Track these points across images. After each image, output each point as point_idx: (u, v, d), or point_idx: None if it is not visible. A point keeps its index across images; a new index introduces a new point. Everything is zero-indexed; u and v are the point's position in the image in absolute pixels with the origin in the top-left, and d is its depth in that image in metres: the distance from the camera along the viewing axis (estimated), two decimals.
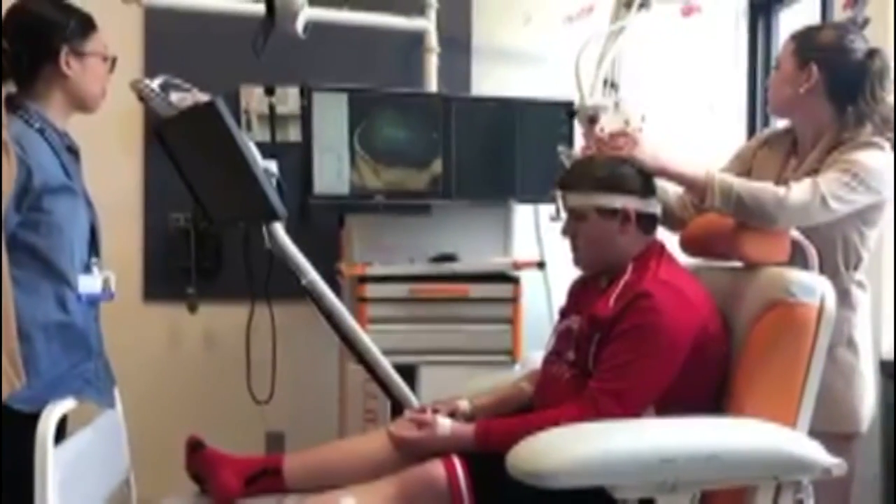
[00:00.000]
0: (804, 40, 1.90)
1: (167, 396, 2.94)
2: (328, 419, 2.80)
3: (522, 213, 2.84)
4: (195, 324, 2.93)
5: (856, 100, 1.84)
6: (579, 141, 2.52)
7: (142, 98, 2.04)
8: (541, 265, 2.69)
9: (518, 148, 2.67)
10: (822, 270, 1.80)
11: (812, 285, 1.67)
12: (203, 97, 1.99)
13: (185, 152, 2.07)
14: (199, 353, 2.99)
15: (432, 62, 2.86)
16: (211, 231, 2.90)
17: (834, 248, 1.86)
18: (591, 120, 2.22)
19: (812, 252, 1.81)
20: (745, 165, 2.03)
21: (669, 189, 1.98)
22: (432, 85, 2.86)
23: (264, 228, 2.02)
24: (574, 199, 1.80)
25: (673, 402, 1.64)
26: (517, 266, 2.63)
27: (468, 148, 2.62)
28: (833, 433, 1.75)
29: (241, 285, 2.78)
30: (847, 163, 1.78)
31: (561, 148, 2.38)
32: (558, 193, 1.94)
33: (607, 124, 2.06)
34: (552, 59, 2.93)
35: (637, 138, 1.79)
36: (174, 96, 2.06)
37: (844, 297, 1.84)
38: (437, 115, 2.59)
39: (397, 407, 2.17)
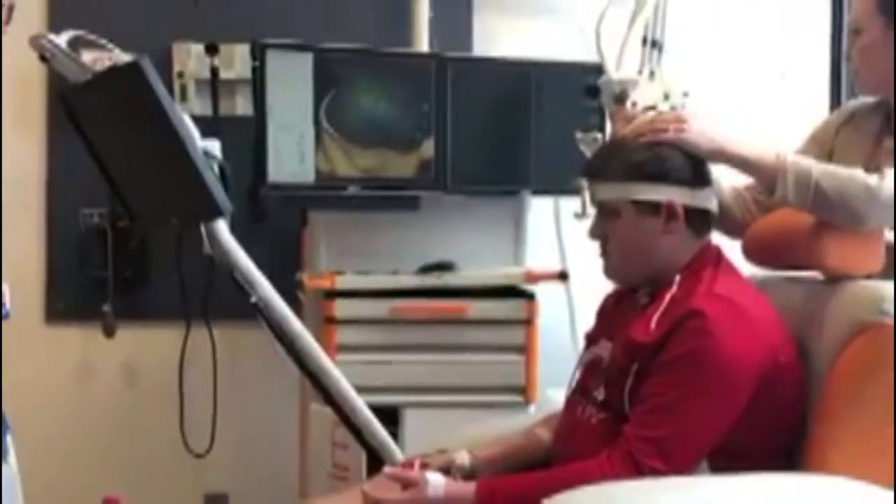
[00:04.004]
0: None
1: (77, 446, 2.94)
2: (285, 477, 2.80)
3: (539, 209, 2.85)
4: (113, 351, 2.93)
5: None
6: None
7: (44, 58, 2.04)
8: (562, 276, 2.69)
9: (533, 124, 2.68)
10: None
11: None
12: (124, 57, 1.99)
13: (101, 128, 2.07)
14: (118, 389, 2.99)
15: (423, 13, 2.87)
16: (133, 232, 2.90)
17: None
18: (619, 99, 2.23)
19: None
20: (823, 148, 2.03)
21: (723, 181, 1.98)
22: (423, 43, 2.87)
23: (203, 228, 2.02)
24: (605, 191, 1.80)
25: (733, 454, 1.64)
26: (532, 278, 2.63)
27: (469, 124, 2.63)
28: None
29: (173, 302, 2.78)
30: None
31: (580, 134, 2.39)
32: (585, 183, 1.94)
33: (641, 98, 2.07)
34: (576, 9, 2.93)
35: (684, 117, 1.80)
36: (86, 56, 2.06)
37: None
38: (428, 82, 2.60)
39: (375, 461, 2.17)
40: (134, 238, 2.91)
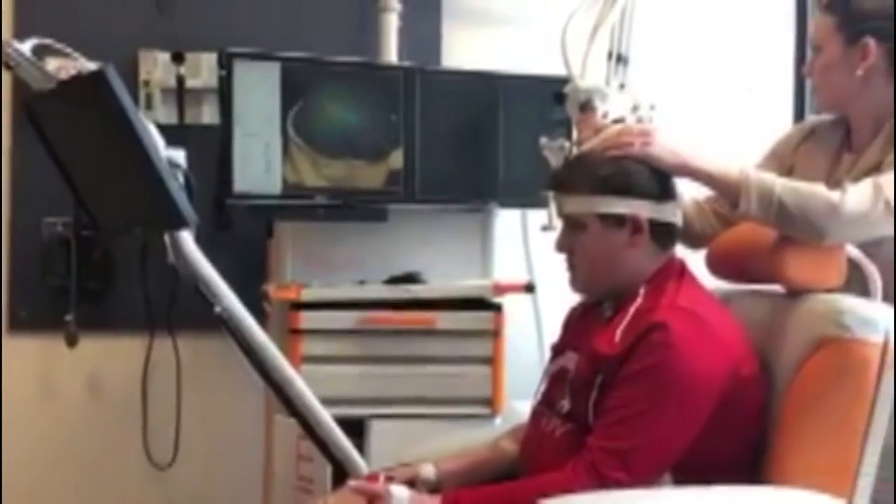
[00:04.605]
0: (847, 11, 1.96)
1: (39, 457, 2.91)
2: (249, 489, 2.79)
3: (506, 221, 2.86)
4: (76, 362, 2.90)
5: None
6: None
7: (9, 65, 2.03)
8: (529, 288, 2.70)
9: (501, 136, 2.69)
10: (886, 298, 1.83)
11: (873, 317, 1.70)
12: (89, 65, 1.99)
13: (65, 137, 2.05)
14: (81, 400, 2.96)
15: (391, 24, 2.88)
16: (97, 241, 2.88)
17: None
18: (584, 107, 2.25)
19: (874, 274, 1.84)
20: (784, 164, 2.06)
21: (685, 194, 2.00)
22: (391, 53, 2.87)
23: (167, 238, 2.01)
24: (571, 204, 1.82)
25: (696, 466, 1.65)
26: (499, 289, 2.64)
27: (437, 135, 2.63)
28: None
29: (137, 312, 2.76)
30: None
31: (544, 140, 2.40)
32: (551, 196, 1.95)
33: (612, 109, 2.09)
34: (546, 22, 2.95)
35: (650, 130, 1.82)
36: (51, 64, 2.05)
37: None
38: (396, 93, 2.61)
39: (340, 473, 2.16)
40: (98, 247, 2.90)
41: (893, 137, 1.91)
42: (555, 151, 2.42)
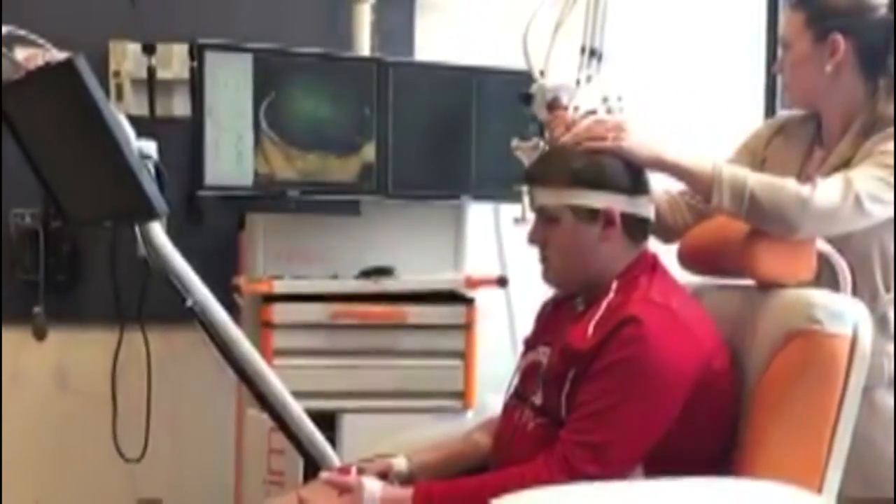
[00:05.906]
0: (816, 8, 1.98)
1: (7, 451, 2.89)
2: (220, 482, 2.78)
3: (479, 215, 2.86)
4: (44, 355, 2.89)
5: (886, 65, 1.93)
6: None
7: None
8: (502, 282, 2.71)
9: (474, 129, 2.69)
10: (855, 292, 1.85)
11: (843, 311, 1.72)
12: (59, 55, 1.97)
13: (34, 127, 2.04)
14: (49, 393, 2.95)
15: (364, 16, 2.87)
16: (66, 233, 2.86)
17: (871, 264, 1.92)
18: (551, 106, 2.26)
19: (844, 268, 1.86)
20: (756, 157, 2.08)
21: (657, 187, 2.01)
22: (364, 46, 2.87)
23: (137, 230, 2.00)
24: (544, 197, 1.82)
25: (667, 459, 1.66)
26: (471, 283, 2.64)
27: (410, 129, 2.63)
28: (871, 499, 1.81)
29: (106, 305, 2.74)
30: (885, 155, 1.84)
31: (516, 141, 2.40)
32: (525, 189, 1.95)
33: (582, 102, 2.09)
34: (519, 16, 2.95)
35: (623, 123, 1.82)
36: (20, 53, 2.03)
37: (884, 326, 1.90)
38: (369, 86, 2.60)
39: (312, 466, 2.16)
40: (67, 239, 2.88)
41: (866, 132, 1.93)
42: (528, 151, 2.42)
